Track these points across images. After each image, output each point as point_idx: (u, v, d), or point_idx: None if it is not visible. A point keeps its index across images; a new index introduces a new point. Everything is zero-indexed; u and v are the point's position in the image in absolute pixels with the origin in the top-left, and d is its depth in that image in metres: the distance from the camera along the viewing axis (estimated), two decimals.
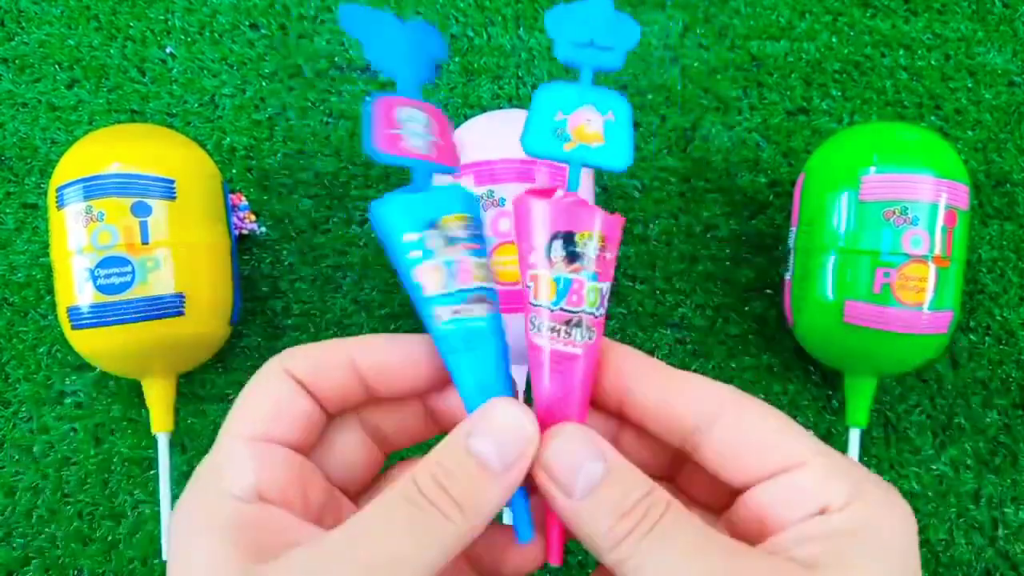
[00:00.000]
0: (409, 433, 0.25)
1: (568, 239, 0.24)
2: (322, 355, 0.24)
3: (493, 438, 0.22)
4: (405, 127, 0.25)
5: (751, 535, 0.22)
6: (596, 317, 0.24)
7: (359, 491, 0.25)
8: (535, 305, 0.24)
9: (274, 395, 0.23)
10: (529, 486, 0.24)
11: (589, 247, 0.24)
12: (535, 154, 0.25)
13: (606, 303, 0.25)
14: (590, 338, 0.24)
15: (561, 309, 0.24)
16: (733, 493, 0.23)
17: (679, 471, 0.26)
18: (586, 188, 0.37)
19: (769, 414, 0.23)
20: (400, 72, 0.26)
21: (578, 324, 0.24)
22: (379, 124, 0.24)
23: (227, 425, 0.22)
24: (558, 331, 0.24)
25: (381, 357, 0.24)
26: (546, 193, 0.25)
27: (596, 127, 0.25)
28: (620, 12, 0.26)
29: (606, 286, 0.24)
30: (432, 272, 0.24)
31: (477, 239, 0.24)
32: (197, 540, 0.20)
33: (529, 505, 0.24)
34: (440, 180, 0.31)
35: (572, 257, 0.24)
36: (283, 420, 0.22)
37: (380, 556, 0.20)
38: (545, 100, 0.25)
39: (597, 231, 0.24)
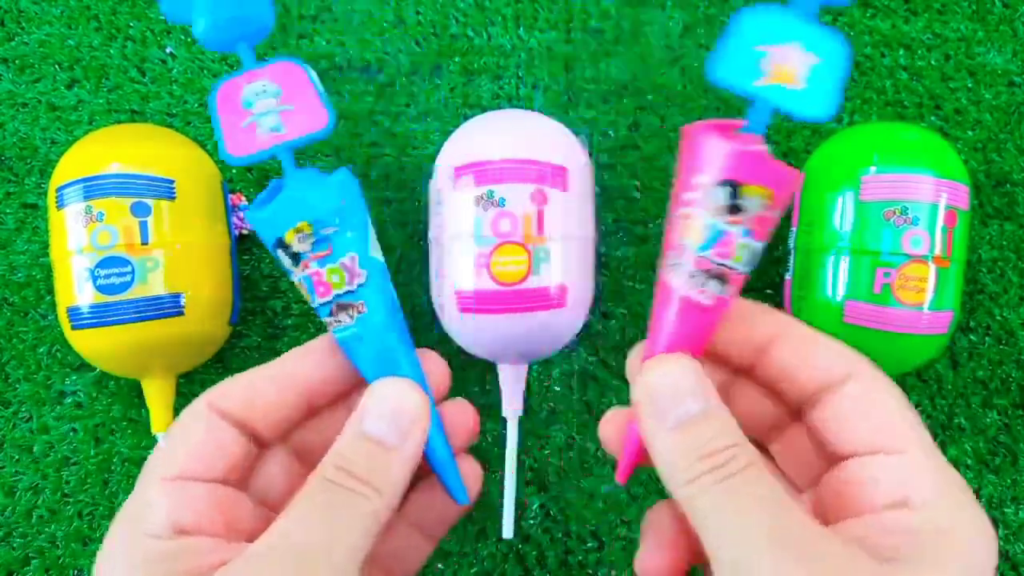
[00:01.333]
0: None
1: (735, 189, 0.22)
2: (256, 387, 0.24)
3: (384, 416, 0.23)
4: (255, 110, 0.24)
5: (830, 513, 0.23)
6: (739, 273, 0.23)
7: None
8: (680, 244, 0.23)
9: (196, 435, 0.23)
10: (453, 452, 0.25)
11: (754, 202, 0.22)
12: (722, 81, 0.22)
13: (755, 262, 0.23)
14: (725, 292, 0.23)
15: (706, 257, 0.23)
16: (820, 472, 0.24)
17: (775, 439, 0.26)
18: (586, 190, 0.37)
19: (894, 393, 0.23)
20: (236, 40, 0.25)
21: (717, 276, 0.23)
22: (227, 121, 0.24)
23: (146, 466, 0.23)
24: (696, 277, 0.23)
25: (319, 373, 0.25)
26: (724, 128, 0.23)
27: (800, 68, 0.22)
28: None
29: (760, 245, 0.23)
30: (300, 287, 0.25)
31: (323, 243, 0.24)
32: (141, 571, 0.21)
33: (457, 468, 0.25)
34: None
35: (734, 209, 0.22)
36: (204, 459, 0.23)
37: (305, 549, 0.20)
38: (749, 25, 0.22)
39: (769, 188, 0.22)
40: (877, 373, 0.23)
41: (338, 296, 0.24)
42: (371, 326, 0.24)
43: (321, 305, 0.24)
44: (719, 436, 0.22)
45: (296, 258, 0.24)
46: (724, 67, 0.22)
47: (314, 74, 0.25)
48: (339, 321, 0.24)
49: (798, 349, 0.24)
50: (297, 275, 0.24)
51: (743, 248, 0.23)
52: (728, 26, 0.22)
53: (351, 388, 0.26)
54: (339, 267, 0.24)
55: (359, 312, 0.24)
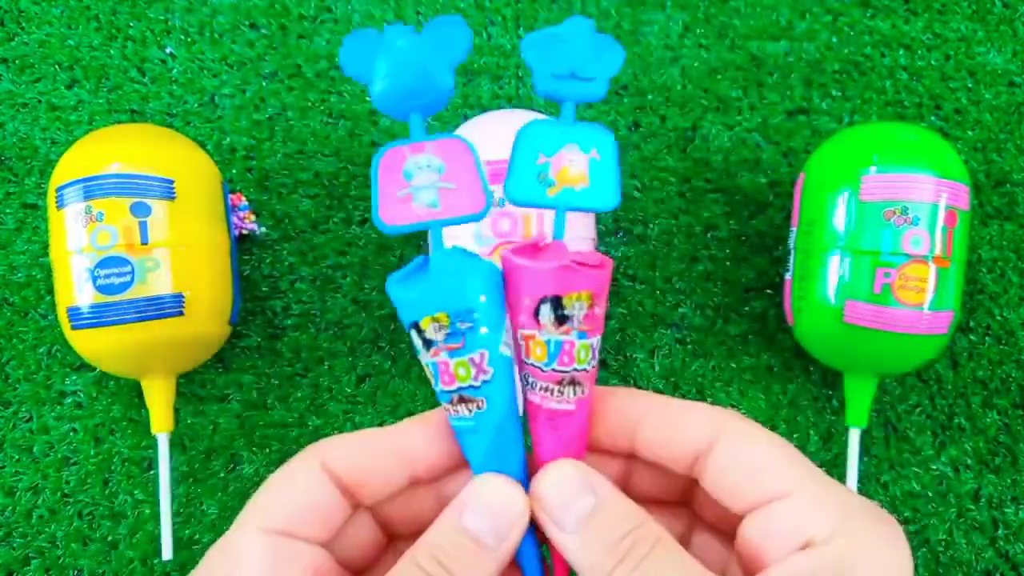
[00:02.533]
0: (418, 519, 0.25)
1: (556, 303, 0.23)
2: (370, 455, 0.24)
3: (484, 514, 0.22)
4: (415, 182, 0.24)
5: (751, 566, 0.22)
6: (588, 371, 0.24)
7: (360, 572, 0.25)
8: (528, 363, 0.24)
9: (305, 491, 0.23)
10: (540, 536, 0.24)
11: (577, 307, 0.23)
12: (519, 202, 0.24)
13: (597, 354, 0.24)
14: (583, 393, 0.24)
15: (553, 370, 0.24)
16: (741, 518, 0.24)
17: (694, 496, 0.26)
18: None
19: (764, 439, 0.23)
20: (412, 108, 0.24)
21: (571, 382, 0.24)
22: (385, 188, 0.23)
23: (249, 512, 0.22)
24: (550, 390, 0.24)
25: (431, 450, 0.24)
26: (531, 249, 0.24)
27: (580, 167, 0.24)
28: (601, 35, 0.24)
29: (596, 339, 0.24)
30: (425, 368, 0.24)
31: (456, 336, 0.23)
32: None
33: (539, 554, 0.25)
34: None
35: (561, 320, 0.23)
36: (309, 518, 0.22)
37: None
38: (526, 143, 0.24)
39: (585, 291, 0.23)
40: (743, 425, 0.23)
41: (461, 389, 0.24)
42: (487, 422, 0.24)
43: (443, 392, 0.24)
44: (620, 523, 0.22)
45: (428, 344, 0.24)
46: (516, 188, 0.23)
47: (479, 155, 0.24)
48: (457, 411, 0.24)
49: (659, 427, 0.24)
50: (425, 358, 0.24)
51: (583, 349, 0.24)
52: (513, 144, 0.24)
53: (452, 469, 0.25)
54: (467, 361, 0.24)
55: (478, 408, 0.24)
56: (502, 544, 0.22)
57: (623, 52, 0.24)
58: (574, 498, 0.23)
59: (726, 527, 0.25)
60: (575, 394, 0.24)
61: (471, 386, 0.24)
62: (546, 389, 0.24)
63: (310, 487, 0.23)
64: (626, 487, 0.25)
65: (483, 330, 0.23)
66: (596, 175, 0.24)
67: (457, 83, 0.43)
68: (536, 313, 0.23)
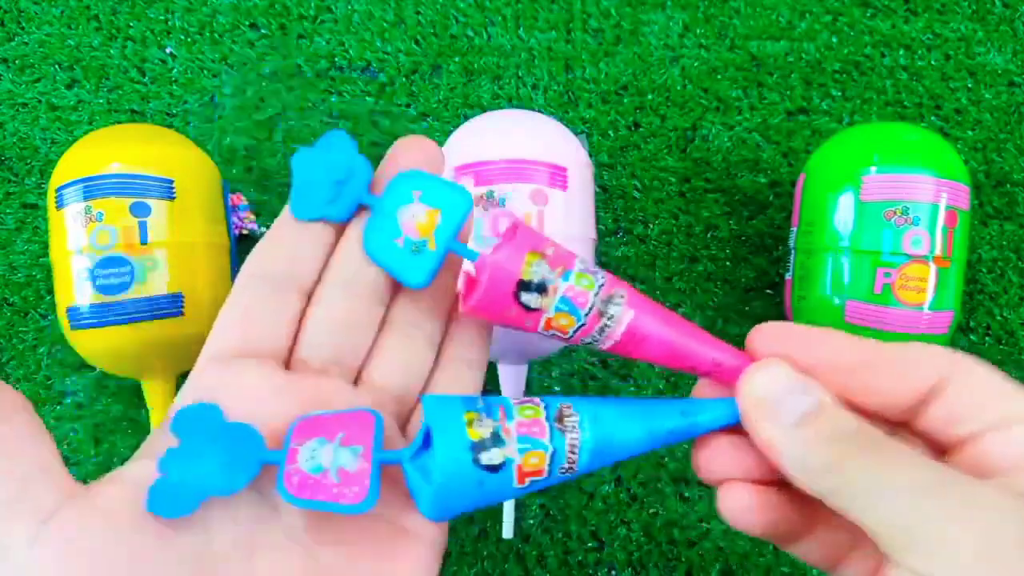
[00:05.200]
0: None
1: (524, 286, 0.23)
2: (290, 239, 0.26)
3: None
4: (319, 461, 0.22)
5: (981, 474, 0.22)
6: (603, 284, 0.24)
7: None
8: (574, 337, 0.24)
9: (229, 307, 0.26)
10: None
11: (537, 270, 0.23)
12: (427, 282, 0.24)
13: (595, 268, 0.24)
14: (623, 296, 0.24)
15: (587, 316, 0.24)
16: (941, 454, 0.23)
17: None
18: (586, 190, 0.37)
19: (995, 371, 0.23)
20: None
21: (605, 304, 0.24)
22: (333, 496, 0.22)
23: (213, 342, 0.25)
24: (607, 326, 0.24)
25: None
26: (471, 285, 0.25)
27: (423, 210, 0.24)
28: (345, 142, 0.25)
29: (577, 261, 0.24)
30: (525, 463, 0.23)
31: (492, 412, 0.22)
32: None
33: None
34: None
35: (541, 289, 0.23)
36: (242, 329, 0.25)
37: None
38: (378, 250, 0.24)
39: (527, 255, 0.23)
40: (971, 359, 0.23)
41: (548, 418, 0.23)
42: (592, 408, 0.23)
43: (551, 439, 0.22)
44: (847, 420, 0.22)
45: (496, 438, 0.22)
46: (414, 275, 0.24)
47: (318, 411, 0.23)
48: (573, 430, 0.23)
49: (881, 371, 0.23)
50: (514, 450, 0.22)
51: (578, 280, 0.24)
52: (370, 255, 0.25)
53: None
54: (520, 406, 0.23)
55: (569, 407, 0.23)
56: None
57: (342, 133, 0.25)
58: (793, 394, 0.22)
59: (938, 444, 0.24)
60: (619, 307, 0.24)
61: (538, 440, 0.22)
62: (603, 329, 0.24)
63: (236, 301, 0.25)
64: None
65: (496, 405, 0.23)
66: (435, 199, 0.24)
67: (457, 83, 0.43)
68: (527, 308, 0.24)
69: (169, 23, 0.44)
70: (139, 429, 0.40)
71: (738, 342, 0.44)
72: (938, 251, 0.34)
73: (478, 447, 0.21)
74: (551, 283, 0.23)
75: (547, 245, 0.24)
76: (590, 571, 0.40)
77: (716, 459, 0.24)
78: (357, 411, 0.23)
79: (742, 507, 0.24)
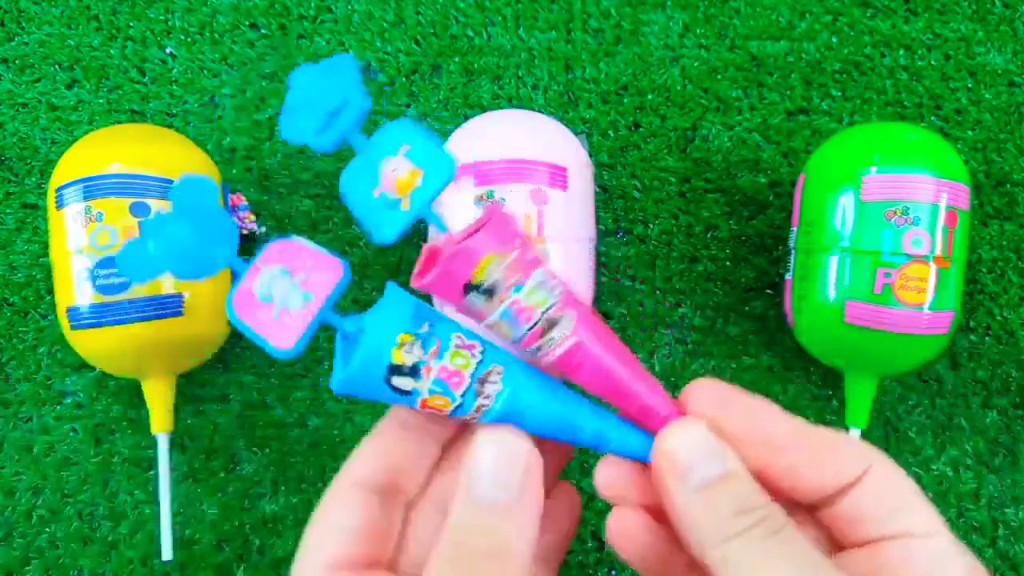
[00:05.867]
0: None
1: (471, 288, 0.23)
2: (388, 439, 0.24)
3: (488, 477, 0.22)
4: (276, 298, 0.23)
5: None
6: (555, 304, 0.23)
7: None
8: (514, 345, 0.24)
9: (347, 515, 0.22)
10: None
11: (490, 274, 0.22)
12: (392, 239, 0.23)
13: (553, 284, 0.23)
14: (570, 324, 0.23)
15: (529, 331, 0.23)
16: (837, 550, 0.24)
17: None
18: (586, 190, 0.37)
19: (908, 479, 0.23)
20: (214, 267, 0.23)
21: (550, 326, 0.23)
22: (259, 324, 0.22)
23: (302, 552, 0.22)
24: (543, 346, 0.23)
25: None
26: (429, 262, 0.24)
27: (405, 166, 0.23)
28: (335, 59, 0.24)
29: (536, 273, 0.23)
30: (432, 402, 0.23)
31: (429, 341, 0.23)
32: None
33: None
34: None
35: (489, 293, 0.23)
36: (362, 540, 0.22)
37: None
38: (355, 195, 0.23)
39: (484, 258, 0.23)
40: (890, 462, 0.23)
41: (473, 375, 0.23)
42: (520, 385, 0.23)
43: (464, 395, 0.23)
44: (749, 495, 0.22)
45: (415, 371, 0.22)
46: (380, 230, 0.23)
47: (302, 239, 0.23)
48: (489, 398, 0.23)
49: (811, 454, 0.23)
50: (423, 388, 0.23)
51: (530, 294, 0.23)
52: (345, 198, 0.23)
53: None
54: (454, 350, 0.23)
55: (499, 373, 0.23)
56: (524, 495, 0.21)
57: (351, 58, 0.23)
58: (704, 460, 0.22)
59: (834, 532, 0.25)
60: (563, 330, 0.23)
61: (478, 363, 0.23)
62: (540, 348, 0.23)
63: (350, 510, 0.22)
64: None
65: (439, 324, 0.23)
66: (420, 159, 0.23)
67: (457, 83, 0.43)
68: (469, 305, 0.23)
69: (169, 23, 0.44)
70: (139, 429, 0.40)
71: (738, 342, 0.44)
72: (938, 251, 0.34)
73: (394, 370, 0.22)
74: (499, 292, 0.23)
75: (512, 247, 0.23)
76: (590, 571, 0.40)
77: (617, 480, 0.25)
78: (332, 256, 0.23)
79: (621, 530, 0.24)
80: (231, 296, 0.22)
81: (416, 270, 0.24)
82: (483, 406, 0.23)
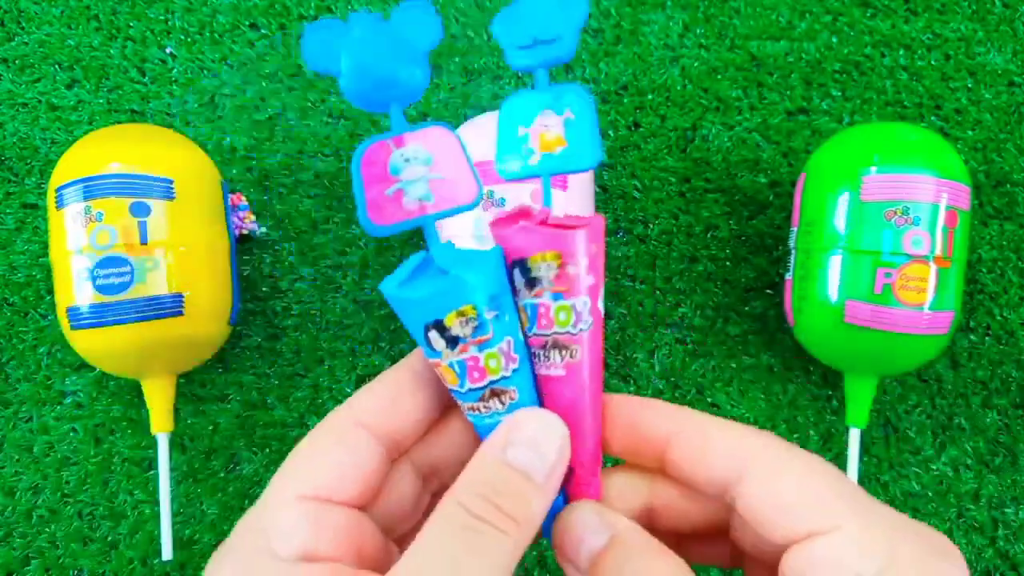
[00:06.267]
0: (459, 459, 0.24)
1: (522, 266, 0.23)
2: (399, 389, 0.23)
3: (529, 447, 0.21)
4: (403, 176, 0.22)
5: None
6: (573, 335, 0.23)
7: (406, 535, 0.24)
8: (528, 335, 0.24)
9: (342, 451, 0.22)
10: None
11: (544, 268, 0.22)
12: (509, 177, 0.24)
13: (585, 317, 0.23)
14: (572, 357, 0.23)
15: (535, 335, 0.23)
16: (781, 551, 0.22)
17: (731, 525, 0.25)
18: (586, 190, 0.37)
19: (799, 468, 0.21)
20: (387, 100, 0.23)
21: (555, 346, 0.23)
22: (372, 187, 0.22)
23: (282, 478, 0.21)
24: (537, 355, 0.23)
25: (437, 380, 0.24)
26: (519, 216, 0.23)
27: (556, 130, 0.24)
28: None
29: (580, 301, 0.23)
30: (445, 372, 0.23)
31: (485, 328, 0.22)
32: None
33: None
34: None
35: (531, 283, 0.23)
36: (347, 481, 0.21)
37: None
38: (507, 118, 0.24)
39: (551, 251, 0.22)
40: (776, 452, 0.22)
41: (492, 382, 0.23)
42: (522, 406, 0.23)
43: (472, 390, 0.23)
44: (622, 560, 0.21)
45: (453, 342, 0.22)
46: (505, 163, 0.23)
47: (465, 143, 0.23)
48: (488, 408, 0.23)
49: (688, 449, 0.23)
50: (448, 359, 0.22)
51: (561, 311, 0.23)
52: (498, 123, 0.24)
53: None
54: (497, 352, 0.22)
55: (512, 400, 0.23)
56: (550, 480, 0.21)
57: (585, 5, 0.23)
58: (589, 535, 0.22)
59: (768, 558, 0.23)
60: (562, 358, 0.23)
61: (503, 377, 0.22)
62: (533, 355, 0.23)
63: (347, 446, 0.22)
64: (664, 512, 0.25)
65: (506, 317, 0.22)
66: (573, 135, 0.23)
67: (457, 83, 0.43)
68: (512, 280, 0.23)
69: (169, 23, 0.44)
70: (139, 429, 0.40)
71: (738, 342, 0.44)
72: (938, 251, 0.34)
73: (436, 328, 0.22)
74: (539, 287, 0.23)
75: (577, 268, 0.23)
76: None
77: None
78: (475, 180, 0.23)
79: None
80: (366, 145, 0.22)
81: (501, 215, 0.24)
82: (474, 410, 0.23)
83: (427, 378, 0.24)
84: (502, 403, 0.23)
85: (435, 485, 0.25)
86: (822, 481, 0.21)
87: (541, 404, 0.23)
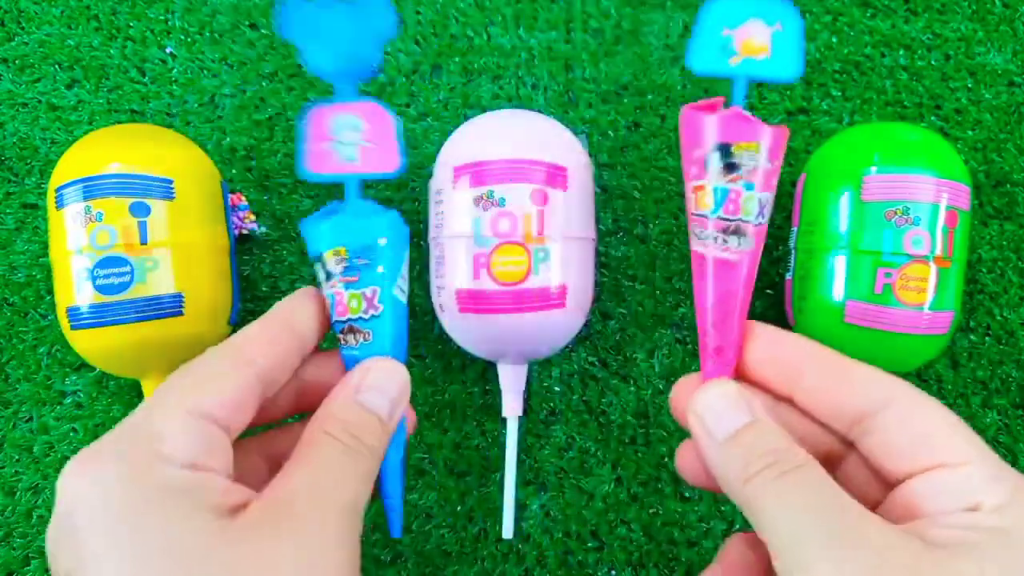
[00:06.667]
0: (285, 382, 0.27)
1: (725, 150, 0.25)
2: (273, 334, 0.26)
3: (378, 392, 0.26)
4: (338, 138, 0.27)
5: (906, 515, 0.23)
6: (755, 225, 0.26)
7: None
8: (695, 215, 0.26)
9: (228, 382, 0.24)
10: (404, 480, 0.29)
11: (746, 157, 0.25)
12: (701, 71, 0.26)
13: (767, 212, 0.26)
14: (748, 246, 0.26)
15: (719, 218, 0.25)
16: (889, 488, 0.24)
17: (838, 465, 0.27)
18: (586, 190, 0.37)
19: (938, 409, 0.24)
20: (341, 76, 0.28)
21: (735, 232, 0.26)
22: (310, 141, 0.27)
23: (168, 395, 0.23)
24: (716, 239, 0.26)
25: (316, 321, 0.28)
26: (710, 107, 0.26)
27: (763, 39, 0.25)
28: None
29: (766, 196, 0.26)
30: (326, 300, 0.28)
31: (353, 271, 0.27)
32: (168, 498, 0.21)
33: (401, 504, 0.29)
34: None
35: (730, 168, 0.25)
36: (231, 408, 0.24)
37: (322, 497, 0.23)
38: (712, 15, 0.26)
39: (756, 141, 0.25)
40: (915, 393, 0.24)
41: (351, 320, 0.27)
42: (370, 354, 0.27)
43: (336, 321, 0.27)
44: (768, 440, 0.24)
45: (328, 275, 0.27)
46: (699, 57, 0.26)
47: (399, 122, 0.28)
48: (346, 341, 0.27)
49: (825, 379, 0.25)
50: (325, 290, 0.27)
51: (749, 200, 0.25)
52: (697, 18, 0.26)
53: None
54: (360, 295, 0.27)
55: (364, 339, 0.27)
56: (392, 419, 0.26)
57: None
58: (729, 413, 0.25)
59: (867, 497, 0.25)
60: (739, 245, 0.26)
61: (360, 318, 0.27)
62: (714, 238, 0.26)
63: (239, 379, 0.24)
64: None
65: (379, 269, 0.27)
66: (779, 46, 0.25)
67: (457, 83, 0.43)
68: (707, 161, 0.25)
69: (169, 23, 0.44)
70: None
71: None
72: (939, 251, 0.34)
73: (319, 260, 0.27)
74: (736, 173, 0.25)
75: (773, 164, 0.26)
76: (590, 571, 0.40)
77: (692, 464, 0.27)
78: (401, 155, 0.28)
79: (685, 463, 0.27)
80: (315, 105, 0.27)
81: (696, 104, 0.26)
82: (339, 340, 0.27)
83: (304, 318, 0.27)
84: (355, 340, 0.27)
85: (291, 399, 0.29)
86: (957, 422, 0.24)
87: (395, 354, 0.28)
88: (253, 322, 0.26)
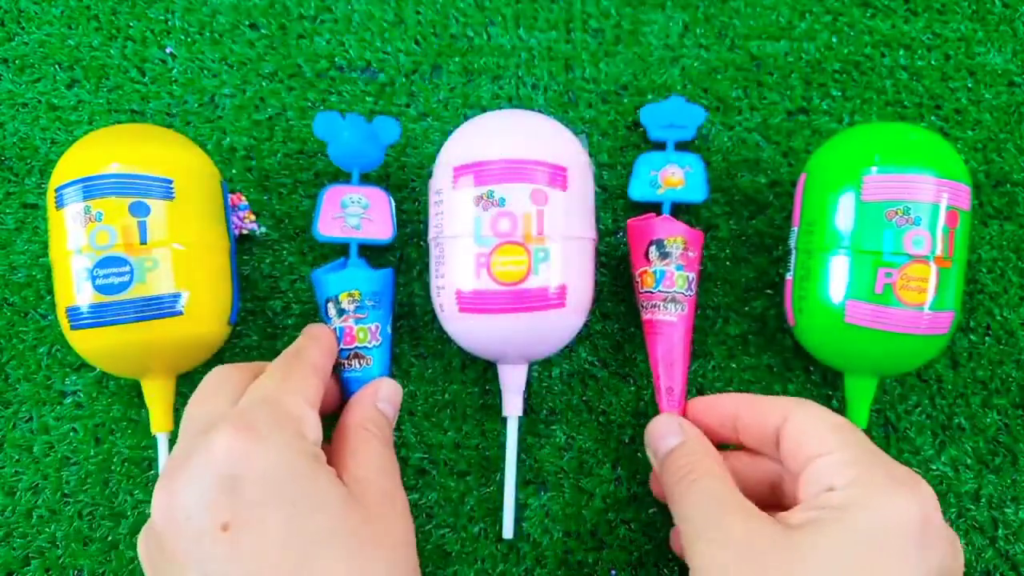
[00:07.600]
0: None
1: (660, 244, 0.36)
2: (322, 367, 0.34)
3: (387, 401, 0.35)
4: (347, 210, 0.37)
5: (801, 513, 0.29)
6: (686, 295, 0.37)
7: None
8: (642, 292, 0.37)
9: (320, 384, 0.32)
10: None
11: (674, 247, 0.36)
12: (638, 198, 0.39)
13: (694, 286, 0.37)
14: (683, 310, 0.37)
15: (660, 291, 0.36)
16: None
17: (781, 486, 0.33)
18: (586, 190, 0.37)
19: (821, 412, 0.31)
20: (353, 167, 0.38)
21: (672, 300, 0.37)
22: (326, 210, 0.37)
23: (293, 390, 0.31)
24: (658, 307, 0.37)
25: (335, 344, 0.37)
26: (648, 218, 0.37)
27: (679, 176, 0.38)
28: (690, 103, 0.40)
29: (692, 275, 0.37)
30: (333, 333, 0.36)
31: (363, 309, 0.36)
32: (316, 467, 0.29)
33: None
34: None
35: (664, 255, 0.36)
36: (318, 403, 0.32)
37: (397, 474, 0.33)
38: (644, 163, 0.39)
39: (681, 236, 0.36)
40: (809, 407, 0.31)
41: (357, 348, 0.36)
42: (368, 375, 0.36)
43: (344, 349, 0.36)
44: (689, 455, 0.32)
45: (340, 312, 0.36)
46: (637, 190, 0.39)
47: (393, 203, 0.38)
48: (351, 364, 0.36)
49: (750, 413, 0.33)
50: (335, 323, 0.36)
51: (680, 278, 0.37)
52: (634, 164, 0.39)
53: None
54: (366, 329, 0.36)
55: (366, 364, 0.36)
56: (394, 420, 0.35)
57: (705, 112, 0.40)
58: (668, 436, 0.34)
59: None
60: (675, 310, 0.37)
61: (365, 347, 0.36)
62: (655, 306, 0.37)
63: (318, 382, 0.32)
64: (735, 474, 0.32)
65: (380, 311, 0.37)
66: (690, 181, 0.39)
67: (457, 83, 0.43)
68: (647, 252, 0.36)
69: (169, 23, 0.44)
70: (139, 429, 0.40)
71: (738, 342, 0.44)
72: (939, 251, 0.34)
73: (332, 301, 0.36)
74: (669, 259, 0.36)
75: (694, 253, 0.37)
76: (590, 571, 0.40)
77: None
78: (392, 227, 0.38)
79: (652, 481, 0.38)
80: (331, 186, 0.38)
81: (639, 218, 0.38)
82: (343, 364, 0.36)
83: (334, 343, 0.36)
84: (359, 364, 0.36)
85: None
86: (837, 422, 0.30)
87: (391, 374, 0.39)
88: (307, 338, 0.35)
